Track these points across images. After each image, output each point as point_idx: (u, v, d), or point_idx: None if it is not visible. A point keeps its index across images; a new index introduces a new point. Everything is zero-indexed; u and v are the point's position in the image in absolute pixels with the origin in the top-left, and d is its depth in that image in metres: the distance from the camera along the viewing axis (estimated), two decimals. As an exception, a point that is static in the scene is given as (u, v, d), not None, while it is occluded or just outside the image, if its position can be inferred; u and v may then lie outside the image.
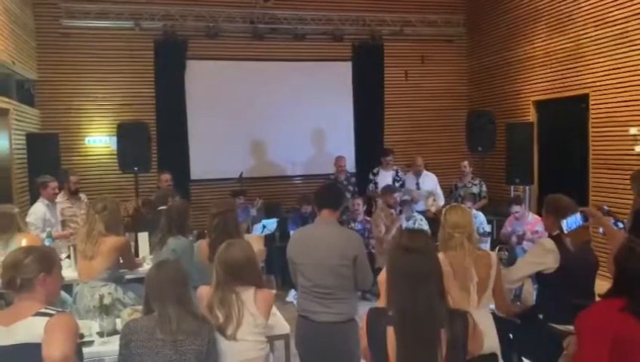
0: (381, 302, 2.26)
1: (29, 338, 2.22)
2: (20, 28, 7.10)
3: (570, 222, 3.23)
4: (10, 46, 6.59)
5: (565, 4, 7.27)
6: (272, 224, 6.80)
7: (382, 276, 2.35)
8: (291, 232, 5.18)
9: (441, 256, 2.99)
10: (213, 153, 8.50)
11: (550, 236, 3.47)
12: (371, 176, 7.76)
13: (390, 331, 2.03)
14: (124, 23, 8.00)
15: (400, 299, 2.05)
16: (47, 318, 2.25)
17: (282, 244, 5.99)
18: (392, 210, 6.57)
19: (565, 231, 3.23)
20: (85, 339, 2.98)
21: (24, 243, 4.28)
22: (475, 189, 7.54)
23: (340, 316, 3.14)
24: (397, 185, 7.53)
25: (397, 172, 7.71)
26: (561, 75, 7.38)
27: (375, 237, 6.49)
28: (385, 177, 7.58)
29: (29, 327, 2.24)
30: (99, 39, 8.07)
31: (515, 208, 6.37)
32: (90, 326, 3.19)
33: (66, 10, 7.75)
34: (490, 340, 2.97)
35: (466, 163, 7.77)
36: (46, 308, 2.31)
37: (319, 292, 3.15)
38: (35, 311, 2.28)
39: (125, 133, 7.18)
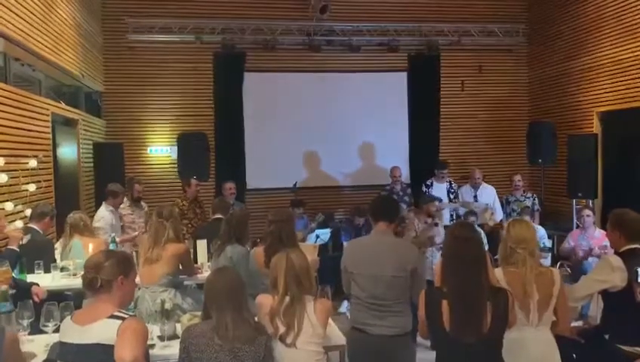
0: (437, 284, 2.72)
1: (102, 340, 2.34)
2: (89, 42, 7.48)
3: None
4: (80, 60, 6.95)
5: (634, 12, 6.98)
6: (325, 234, 6.83)
7: (437, 266, 2.79)
8: (344, 243, 5.15)
9: (498, 272, 2.92)
10: (269, 163, 8.62)
11: (616, 252, 3.33)
12: (425, 188, 7.61)
13: (444, 304, 2.46)
14: (186, 36, 8.28)
15: (452, 278, 2.50)
16: (119, 321, 2.37)
17: (335, 254, 5.99)
18: (429, 219, 6.42)
19: (638, 281, 3.08)
20: (147, 343, 3.07)
21: (91, 247, 4.48)
22: (528, 202, 7.32)
23: (395, 329, 3.10)
24: (451, 196, 7.41)
25: (450, 183, 7.58)
26: (629, 84, 7.07)
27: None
28: (439, 189, 7.45)
29: (102, 329, 2.36)
30: (162, 53, 8.39)
31: (587, 212, 6.18)
32: (151, 330, 3.28)
33: (132, 25, 8.11)
34: (552, 360, 2.86)
35: (519, 177, 7.57)
36: (119, 311, 2.43)
37: (374, 303, 3.12)
38: (109, 313, 2.40)
39: (185, 143, 7.42)
